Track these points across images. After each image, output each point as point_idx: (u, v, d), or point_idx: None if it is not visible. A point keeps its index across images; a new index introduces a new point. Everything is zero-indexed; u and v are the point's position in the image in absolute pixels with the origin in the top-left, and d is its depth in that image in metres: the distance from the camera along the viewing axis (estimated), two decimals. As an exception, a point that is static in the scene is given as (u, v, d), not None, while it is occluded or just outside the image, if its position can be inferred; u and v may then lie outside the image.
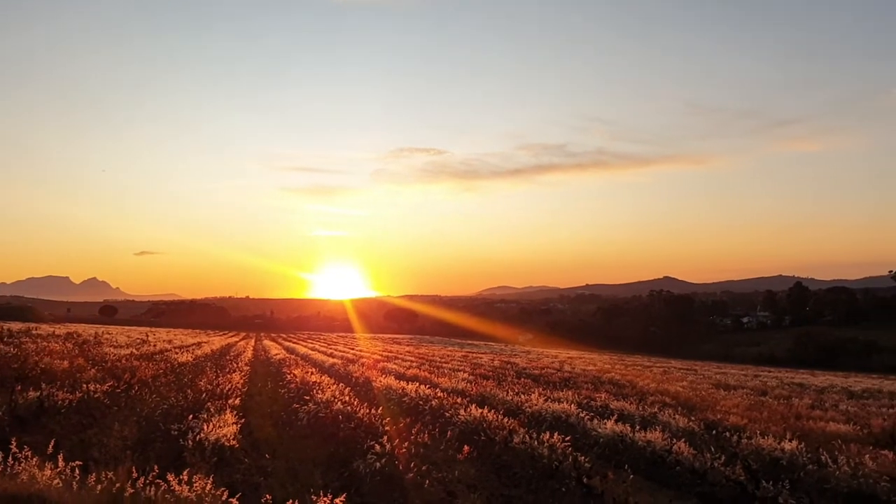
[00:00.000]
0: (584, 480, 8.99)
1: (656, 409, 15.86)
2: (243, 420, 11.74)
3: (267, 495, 6.24)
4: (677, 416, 14.43)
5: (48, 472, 6.21)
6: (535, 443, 10.34)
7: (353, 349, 50.13)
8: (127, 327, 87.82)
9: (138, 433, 10.53)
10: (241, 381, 19.18)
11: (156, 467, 6.51)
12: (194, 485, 6.22)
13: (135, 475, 6.22)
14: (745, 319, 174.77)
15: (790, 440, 11.07)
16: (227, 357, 33.38)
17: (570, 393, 19.64)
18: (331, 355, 38.05)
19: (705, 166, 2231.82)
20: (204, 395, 14.79)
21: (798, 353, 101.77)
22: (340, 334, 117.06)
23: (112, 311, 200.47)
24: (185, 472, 6.42)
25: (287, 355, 36.92)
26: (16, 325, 50.47)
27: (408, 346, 67.76)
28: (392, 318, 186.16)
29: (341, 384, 19.28)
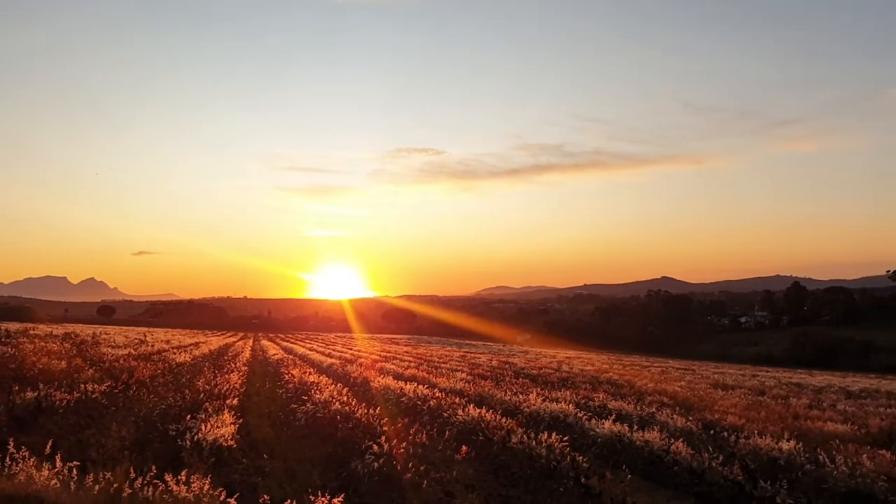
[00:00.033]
0: (582, 480, 9.00)
1: (654, 409, 15.87)
2: (241, 420, 11.73)
3: (265, 495, 6.25)
4: (675, 416, 14.44)
5: (46, 473, 6.21)
6: (533, 443, 10.34)
7: (351, 349, 50.11)
8: (125, 327, 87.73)
9: (136, 433, 10.51)
10: (239, 381, 19.16)
11: (154, 468, 6.51)
12: (192, 485, 6.22)
13: (133, 475, 6.22)
14: (742, 319, 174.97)
15: (788, 440, 11.09)
16: (225, 357, 33.34)
17: (568, 393, 19.65)
18: (329, 355, 38.04)
19: (703, 166, 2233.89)
20: (202, 395, 14.77)
21: (796, 352, 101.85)
22: (338, 334, 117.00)
23: (110, 312, 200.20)
24: (182, 473, 6.42)
25: (285, 355, 36.90)
26: (13, 326, 50.40)
27: (406, 346, 67.73)
28: (390, 319, 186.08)
29: (339, 384, 19.27)
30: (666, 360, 72.73)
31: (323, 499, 6.23)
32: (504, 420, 12.52)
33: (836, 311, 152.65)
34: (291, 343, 63.46)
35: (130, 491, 6.00)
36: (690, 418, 14.67)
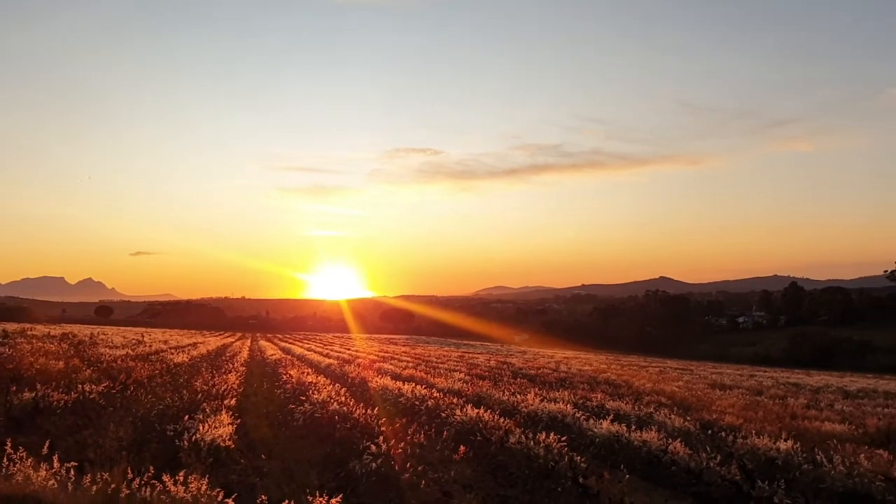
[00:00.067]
0: (580, 480, 9.00)
1: (652, 409, 15.87)
2: (239, 420, 11.71)
3: (263, 496, 6.24)
4: (673, 416, 14.44)
5: (43, 473, 6.20)
6: (531, 443, 10.33)
7: (349, 349, 50.08)
8: (122, 328, 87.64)
9: (134, 434, 10.50)
10: (237, 381, 19.14)
11: (151, 468, 6.51)
12: (190, 485, 6.22)
13: (130, 476, 6.21)
14: (740, 319, 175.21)
15: (786, 440, 11.09)
16: (223, 357, 33.30)
17: (566, 393, 19.63)
18: (327, 356, 38.01)
19: (701, 166, 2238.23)
20: (200, 395, 14.76)
21: (793, 352, 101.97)
22: (336, 335, 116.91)
23: (107, 312, 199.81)
24: (180, 473, 6.41)
25: (283, 356, 36.88)
26: (11, 326, 50.31)
27: (404, 346, 67.69)
28: (388, 319, 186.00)
29: (337, 384, 19.26)
30: (664, 360, 72.78)
31: (321, 499, 6.23)
32: (502, 420, 12.51)
33: (833, 311, 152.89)
34: (289, 343, 63.40)
35: (128, 491, 6.00)
36: (688, 418, 14.67)
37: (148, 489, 6.05)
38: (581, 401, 18.04)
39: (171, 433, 9.83)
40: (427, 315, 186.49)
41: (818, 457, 9.96)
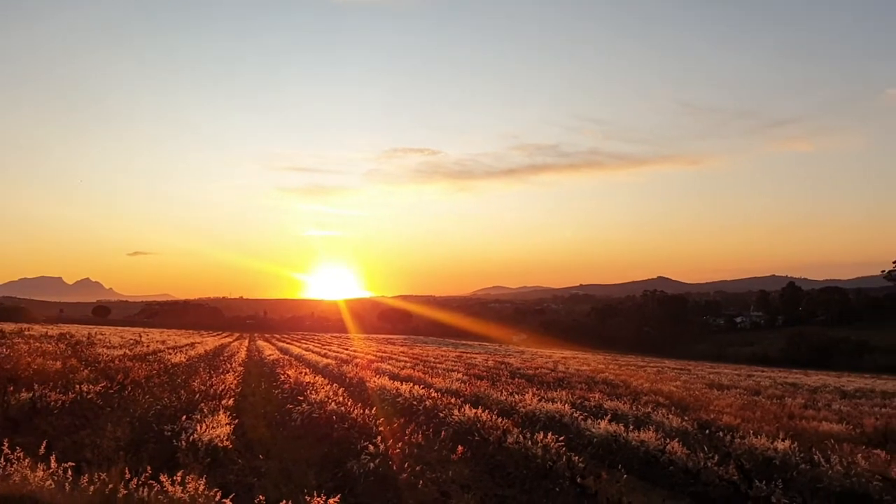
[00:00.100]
0: (578, 480, 9.00)
1: (650, 409, 15.89)
2: (237, 421, 11.70)
3: (260, 496, 6.23)
4: (671, 416, 14.45)
5: (40, 474, 6.19)
6: (529, 443, 10.33)
7: (347, 349, 50.07)
8: (120, 328, 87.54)
9: (131, 434, 10.49)
10: (235, 381, 19.13)
11: (149, 468, 6.50)
12: (187, 486, 6.21)
13: (128, 476, 6.20)
14: (738, 319, 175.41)
15: (783, 440, 11.11)
16: (221, 358, 33.29)
17: (563, 393, 19.65)
18: (325, 356, 38.00)
19: (700, 166, 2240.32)
20: (197, 395, 14.75)
21: (791, 352, 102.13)
22: (334, 335, 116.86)
23: (105, 312, 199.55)
24: (178, 473, 6.40)
25: (281, 356, 36.85)
26: (8, 326, 50.25)
27: (402, 346, 67.70)
28: (386, 319, 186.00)
29: (335, 384, 19.26)
30: (662, 360, 72.83)
31: (319, 499, 6.22)
32: (500, 420, 12.51)
33: (831, 311, 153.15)
34: (287, 343, 63.37)
35: (125, 491, 5.99)
36: (686, 418, 14.69)
37: (145, 489, 6.04)
38: (579, 401, 18.06)
39: (169, 433, 9.82)
40: (425, 315, 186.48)
41: (816, 456, 9.97)
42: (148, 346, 34.22)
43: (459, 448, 10.16)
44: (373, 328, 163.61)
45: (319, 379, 20.75)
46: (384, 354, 43.69)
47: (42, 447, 6.83)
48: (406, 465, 8.82)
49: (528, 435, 10.79)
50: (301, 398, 15.16)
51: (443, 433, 11.58)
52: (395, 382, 19.20)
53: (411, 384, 18.47)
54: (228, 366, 25.83)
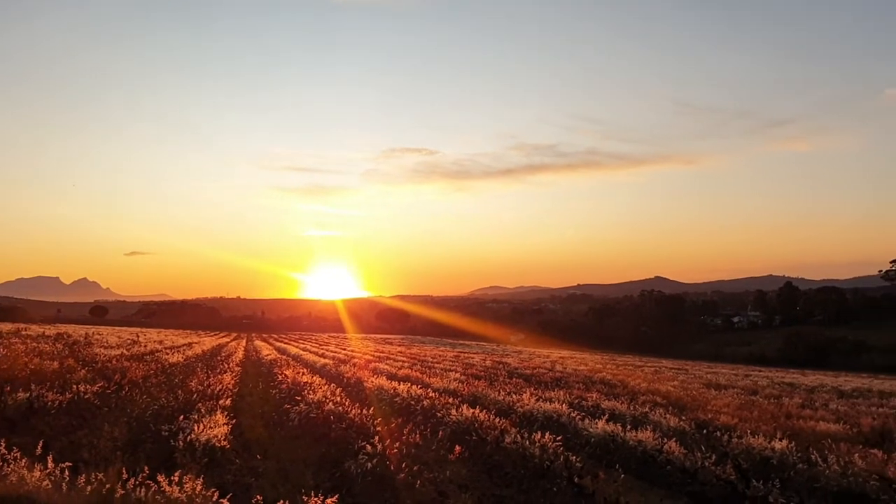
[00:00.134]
0: (576, 480, 9.01)
1: (647, 409, 15.90)
2: (234, 421, 11.69)
3: (258, 496, 6.23)
4: (668, 416, 14.46)
5: (37, 474, 6.18)
6: (527, 442, 10.34)
7: (344, 349, 50.03)
8: (117, 328, 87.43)
9: (129, 434, 10.47)
10: (232, 381, 19.11)
11: (146, 468, 6.48)
12: (185, 486, 6.20)
13: (125, 476, 6.19)
14: (735, 319, 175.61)
15: (780, 439, 11.11)
16: (218, 357, 33.25)
17: (561, 393, 19.67)
18: (322, 356, 37.98)
19: (697, 166, 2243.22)
20: (195, 395, 14.73)
21: (788, 352, 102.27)
22: (332, 335, 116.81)
23: (102, 312, 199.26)
24: (175, 473, 6.40)
25: (278, 356, 36.82)
26: (5, 326, 50.17)
27: (399, 346, 67.71)
28: (384, 319, 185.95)
29: (333, 384, 19.24)
30: (659, 359, 72.90)
31: (316, 499, 6.22)
32: (498, 420, 12.52)
33: (828, 310, 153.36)
34: (285, 343, 63.33)
35: (123, 492, 5.98)
36: (683, 418, 14.69)
37: (143, 489, 6.03)
38: (576, 400, 18.07)
39: (167, 433, 9.80)
40: (423, 315, 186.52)
41: (813, 456, 10.00)
42: (145, 346, 34.18)
43: (457, 448, 10.16)
44: (370, 328, 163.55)
45: (317, 379, 20.73)
46: (382, 354, 43.68)
47: (39, 447, 6.82)
48: (403, 465, 8.82)
49: (526, 435, 10.79)
50: (299, 398, 15.16)
51: (440, 433, 11.59)
52: (393, 382, 19.20)
53: (409, 384, 18.47)
54: (226, 366, 25.80)
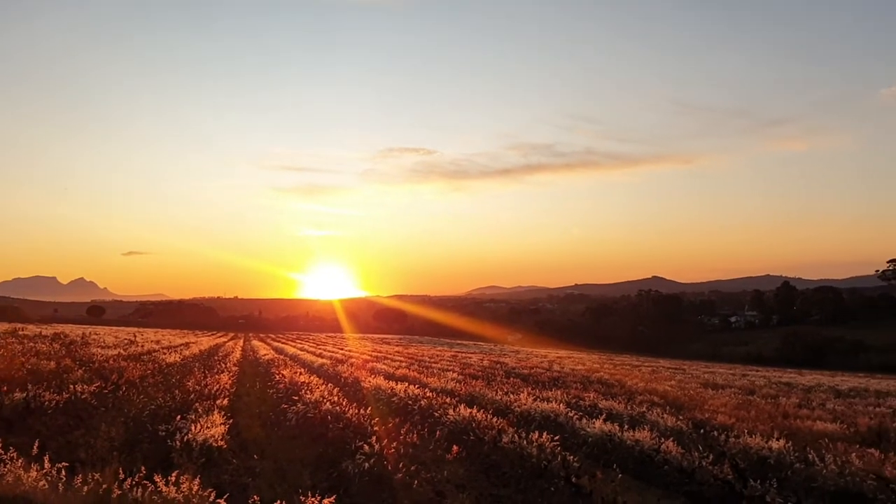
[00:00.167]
0: (573, 480, 9.01)
1: (645, 409, 15.90)
2: (231, 420, 11.68)
3: (255, 496, 6.22)
4: (665, 416, 14.47)
5: (34, 474, 6.16)
6: (524, 442, 10.34)
7: (342, 349, 50.01)
8: (114, 328, 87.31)
9: (125, 434, 10.45)
10: (230, 381, 19.08)
11: (143, 468, 6.47)
12: (182, 486, 6.19)
13: (122, 476, 6.18)
14: (733, 319, 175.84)
15: (778, 439, 11.12)
16: (216, 357, 33.22)
17: (558, 392, 19.66)
18: (319, 355, 37.95)
19: (694, 166, 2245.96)
20: (192, 395, 14.71)
21: (785, 352, 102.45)
22: (329, 334, 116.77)
23: (99, 312, 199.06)
24: (172, 473, 6.39)
25: (275, 356, 36.80)
26: (2, 326, 50.06)
27: (397, 346, 67.68)
28: (381, 318, 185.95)
29: (330, 384, 19.23)
30: (656, 359, 72.96)
31: (313, 499, 6.21)
32: (495, 420, 12.52)
33: (825, 310, 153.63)
34: (282, 343, 63.31)
35: (119, 492, 5.97)
36: (681, 417, 14.70)
37: (139, 489, 6.02)
38: (574, 400, 18.07)
39: (163, 433, 9.78)
40: (420, 315, 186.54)
41: (810, 456, 10.00)
42: (142, 346, 34.11)
43: (454, 448, 10.16)
44: (368, 328, 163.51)
45: (314, 379, 20.72)
46: (379, 354, 43.65)
47: (35, 447, 6.80)
48: (401, 465, 8.82)
49: (524, 434, 10.79)
50: (296, 398, 15.15)
51: (438, 433, 11.59)
52: (391, 382, 19.19)
53: (406, 384, 18.46)
54: (223, 366, 25.77)
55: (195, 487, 6.22)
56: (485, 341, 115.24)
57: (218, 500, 6.09)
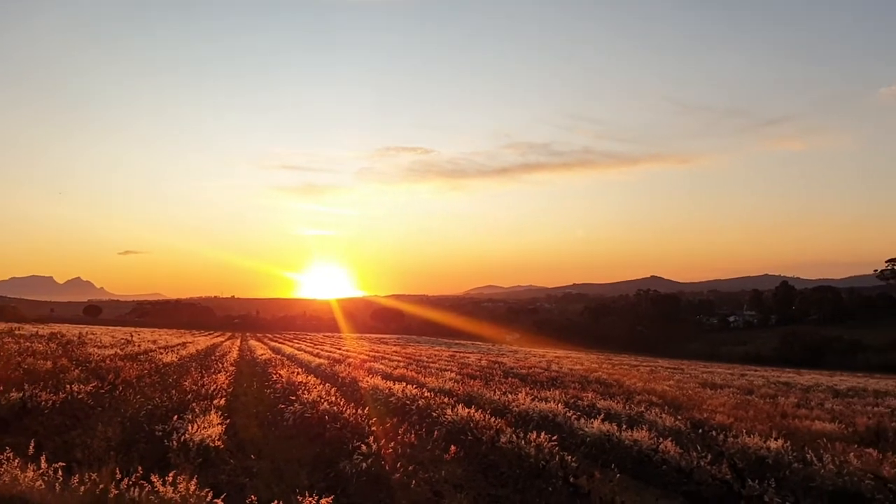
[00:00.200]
0: (571, 480, 8.99)
1: (643, 409, 15.90)
2: (228, 420, 11.65)
3: (252, 496, 6.21)
4: (664, 415, 14.46)
5: (31, 474, 6.14)
6: (522, 442, 10.32)
7: (339, 349, 49.98)
8: (111, 327, 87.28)
9: (122, 434, 10.43)
10: (227, 381, 19.05)
11: (140, 468, 6.46)
12: (179, 486, 6.17)
13: (119, 476, 6.16)
14: (731, 318, 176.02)
15: (776, 439, 11.12)
16: (213, 357, 33.16)
17: (557, 392, 19.65)
18: (317, 355, 37.92)
19: (692, 165, 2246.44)
20: (189, 395, 14.68)
21: (784, 351, 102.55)
22: (327, 334, 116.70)
23: (96, 311, 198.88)
24: (169, 473, 6.36)
25: (273, 355, 36.75)
26: (-1, 326, 49.94)
27: (395, 345, 67.67)
28: (379, 318, 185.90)
29: (328, 384, 19.21)
30: (655, 359, 73.03)
31: (311, 499, 6.19)
32: (493, 420, 12.50)
33: (824, 310, 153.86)
34: (279, 343, 63.27)
35: (116, 492, 5.94)
36: (679, 417, 14.70)
37: (136, 489, 6.00)
38: (572, 400, 18.05)
39: (160, 433, 9.76)
40: (418, 314, 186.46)
41: (808, 455, 10.00)
42: (139, 346, 34.11)
43: (452, 448, 10.14)
44: (365, 328, 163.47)
45: (312, 379, 20.70)
46: (377, 354, 43.64)
47: (32, 447, 6.78)
48: (399, 465, 8.80)
49: (522, 434, 10.77)
50: (293, 398, 15.12)
51: (436, 433, 11.57)
52: (388, 382, 19.17)
53: (404, 384, 18.45)
54: (220, 365, 25.73)
55: (192, 487, 6.20)
56: (483, 341, 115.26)
57: (215, 500, 6.08)
